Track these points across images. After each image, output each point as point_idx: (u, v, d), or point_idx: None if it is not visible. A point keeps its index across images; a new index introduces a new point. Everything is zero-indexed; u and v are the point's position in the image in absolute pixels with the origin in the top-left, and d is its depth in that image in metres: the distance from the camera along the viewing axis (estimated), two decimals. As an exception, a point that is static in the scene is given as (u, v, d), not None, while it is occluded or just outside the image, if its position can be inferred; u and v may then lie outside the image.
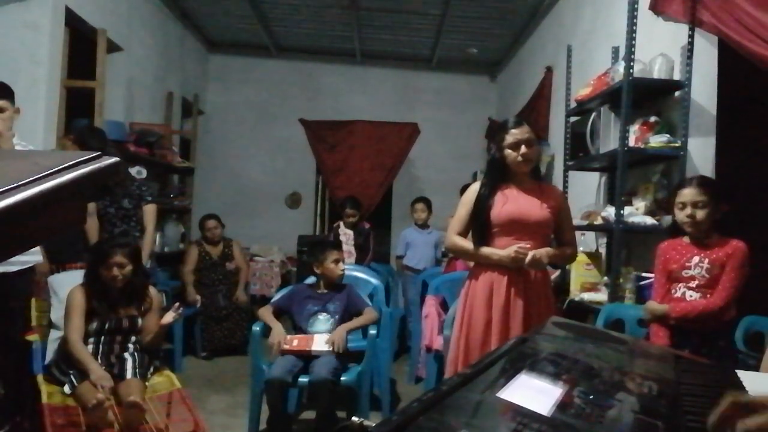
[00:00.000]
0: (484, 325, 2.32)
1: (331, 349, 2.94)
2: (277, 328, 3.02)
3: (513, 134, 2.34)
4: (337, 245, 3.44)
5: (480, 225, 2.37)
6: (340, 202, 5.46)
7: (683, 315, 2.20)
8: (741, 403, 0.63)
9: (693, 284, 2.24)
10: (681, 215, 2.27)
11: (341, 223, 5.20)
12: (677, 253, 2.31)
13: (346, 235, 5.07)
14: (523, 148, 2.33)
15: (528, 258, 2.26)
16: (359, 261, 4.89)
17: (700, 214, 2.22)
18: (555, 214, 2.39)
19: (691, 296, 2.24)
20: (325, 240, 4.54)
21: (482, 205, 2.37)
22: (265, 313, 3.13)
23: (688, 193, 2.25)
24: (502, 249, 2.31)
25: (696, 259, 2.25)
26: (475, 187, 2.46)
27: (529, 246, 2.28)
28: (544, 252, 2.30)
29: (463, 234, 2.45)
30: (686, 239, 2.32)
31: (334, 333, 3.00)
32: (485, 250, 2.35)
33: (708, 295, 2.20)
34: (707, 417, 0.68)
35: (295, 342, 2.98)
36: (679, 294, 2.27)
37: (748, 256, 2.20)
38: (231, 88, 7.07)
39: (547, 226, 2.39)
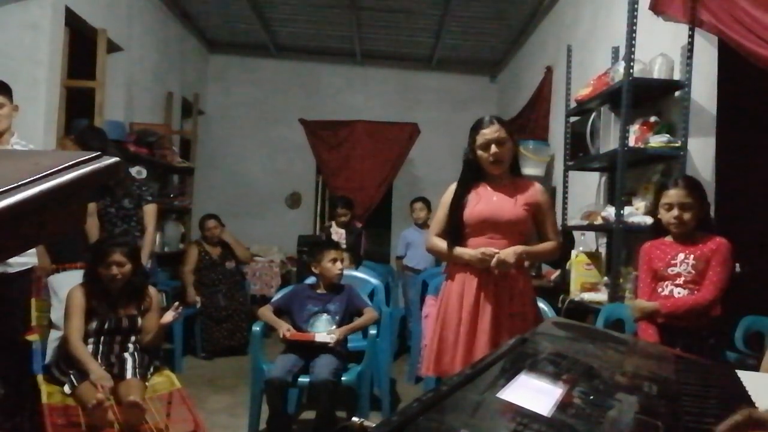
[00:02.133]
0: (456, 325, 2.31)
1: (331, 340, 2.93)
2: (281, 323, 3.04)
3: (483, 134, 2.31)
4: (335, 244, 3.44)
5: (453, 225, 2.36)
6: (332, 202, 5.45)
7: (673, 311, 2.21)
8: (758, 420, 0.62)
9: (679, 281, 2.25)
10: (667, 216, 2.28)
11: (333, 223, 5.21)
12: (661, 252, 2.32)
13: (338, 234, 5.08)
14: (493, 148, 2.29)
15: (493, 261, 2.23)
16: (350, 261, 4.89)
17: (687, 215, 2.24)
18: (531, 210, 2.35)
19: (678, 293, 2.25)
20: (322, 240, 4.54)
21: (456, 205, 2.35)
22: (266, 312, 3.13)
23: (674, 194, 2.26)
24: (473, 249, 2.29)
25: (681, 256, 2.26)
26: (452, 188, 2.44)
27: (496, 250, 2.24)
28: (511, 251, 2.24)
29: (442, 234, 2.44)
30: (669, 238, 2.33)
31: (336, 330, 3.01)
32: (457, 250, 2.33)
33: (695, 291, 2.21)
34: (707, 417, 0.68)
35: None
36: (666, 292, 2.28)
37: (731, 252, 2.22)
38: (231, 88, 7.07)
39: (522, 224, 2.34)
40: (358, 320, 3.13)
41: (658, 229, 2.38)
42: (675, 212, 2.25)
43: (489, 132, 2.30)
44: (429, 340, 2.45)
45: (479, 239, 2.32)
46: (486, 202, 2.33)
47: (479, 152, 2.33)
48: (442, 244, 2.41)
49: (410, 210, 5.36)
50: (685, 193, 2.24)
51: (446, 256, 2.42)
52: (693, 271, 2.22)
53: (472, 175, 2.39)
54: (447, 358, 2.30)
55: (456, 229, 2.35)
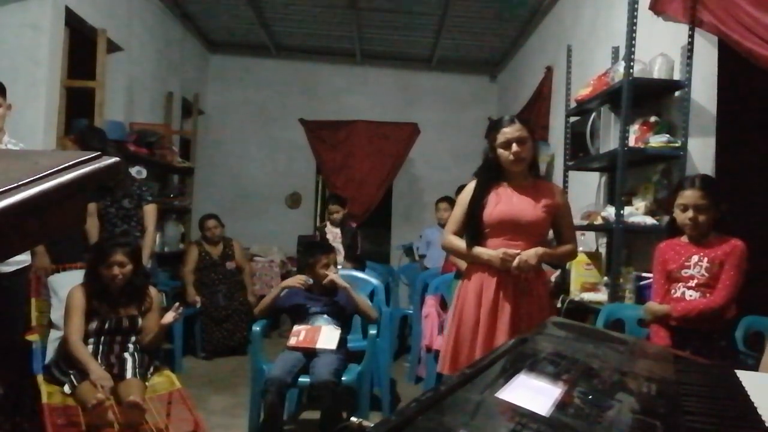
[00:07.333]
0: (474, 323, 2.32)
1: (333, 348, 2.94)
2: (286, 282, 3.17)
3: (504, 133, 2.32)
4: (328, 248, 3.41)
5: (472, 225, 2.36)
6: (325, 200, 5.47)
7: (684, 314, 2.18)
8: None
9: (692, 283, 2.22)
10: (682, 217, 2.24)
11: (327, 223, 5.22)
12: (676, 253, 2.29)
13: (333, 234, 5.08)
14: (514, 147, 2.30)
15: (515, 262, 2.25)
16: (348, 259, 4.89)
17: (702, 217, 2.20)
18: (551, 212, 2.37)
19: (690, 296, 2.22)
20: (314, 243, 4.54)
21: (475, 205, 2.36)
22: (262, 305, 3.18)
23: (690, 195, 2.22)
24: (493, 249, 2.31)
25: (695, 258, 2.23)
26: (470, 187, 2.45)
27: (518, 251, 2.26)
28: (532, 253, 2.27)
29: (459, 233, 2.45)
30: (684, 239, 2.30)
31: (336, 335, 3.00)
32: (476, 250, 2.34)
33: (708, 294, 2.18)
34: (707, 417, 0.68)
35: (302, 335, 2.99)
36: (678, 294, 2.25)
37: (746, 255, 2.19)
38: (231, 88, 7.07)
39: (541, 226, 2.37)
40: (359, 297, 3.17)
41: (673, 229, 2.35)
42: (690, 213, 2.20)
43: (510, 131, 2.31)
44: (445, 339, 2.45)
45: (498, 240, 2.32)
46: (506, 203, 2.33)
47: (500, 151, 2.34)
48: (459, 242, 2.42)
49: (434, 209, 5.30)
50: (701, 195, 2.19)
51: (464, 255, 2.42)
52: (707, 274, 2.19)
53: (491, 174, 2.39)
54: (463, 357, 2.31)
55: (475, 229, 2.35)
